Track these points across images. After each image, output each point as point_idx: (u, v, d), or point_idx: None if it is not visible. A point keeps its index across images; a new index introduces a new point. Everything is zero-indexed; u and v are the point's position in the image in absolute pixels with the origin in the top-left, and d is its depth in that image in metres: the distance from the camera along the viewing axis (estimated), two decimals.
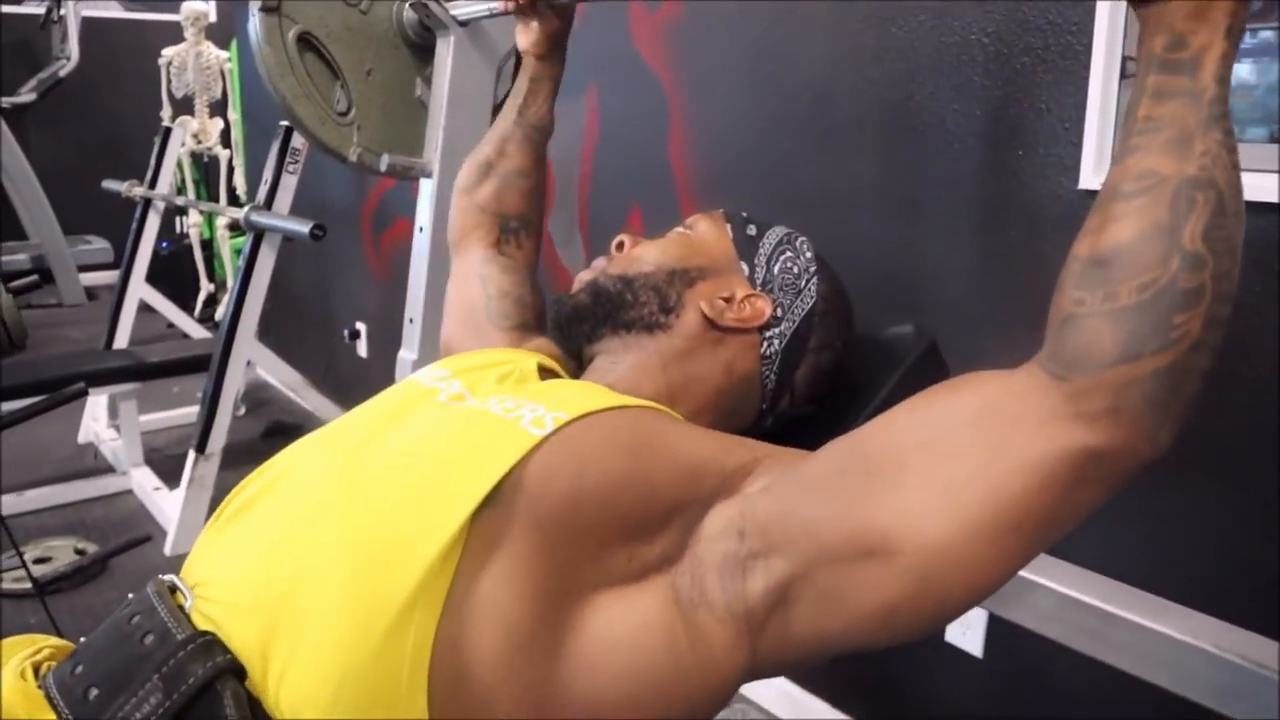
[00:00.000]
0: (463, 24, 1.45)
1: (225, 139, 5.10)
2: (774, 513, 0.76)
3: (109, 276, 5.99)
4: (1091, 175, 1.37)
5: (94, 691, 0.72)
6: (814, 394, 1.06)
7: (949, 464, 0.70)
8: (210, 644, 0.72)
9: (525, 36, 1.32)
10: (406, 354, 1.55)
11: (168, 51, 4.96)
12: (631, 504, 0.78)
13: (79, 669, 0.75)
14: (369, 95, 1.53)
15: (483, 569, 0.73)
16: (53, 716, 0.72)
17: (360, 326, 3.49)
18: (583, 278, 1.08)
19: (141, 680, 0.71)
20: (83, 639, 0.81)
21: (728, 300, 1.02)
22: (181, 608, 0.77)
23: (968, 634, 1.62)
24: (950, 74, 1.56)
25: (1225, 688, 0.81)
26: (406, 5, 1.50)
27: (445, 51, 1.46)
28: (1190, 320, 0.64)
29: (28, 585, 2.51)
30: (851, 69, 1.71)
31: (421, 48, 1.54)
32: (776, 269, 1.04)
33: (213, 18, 5.06)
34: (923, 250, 1.64)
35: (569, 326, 1.06)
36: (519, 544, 0.75)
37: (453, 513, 0.75)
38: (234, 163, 5.13)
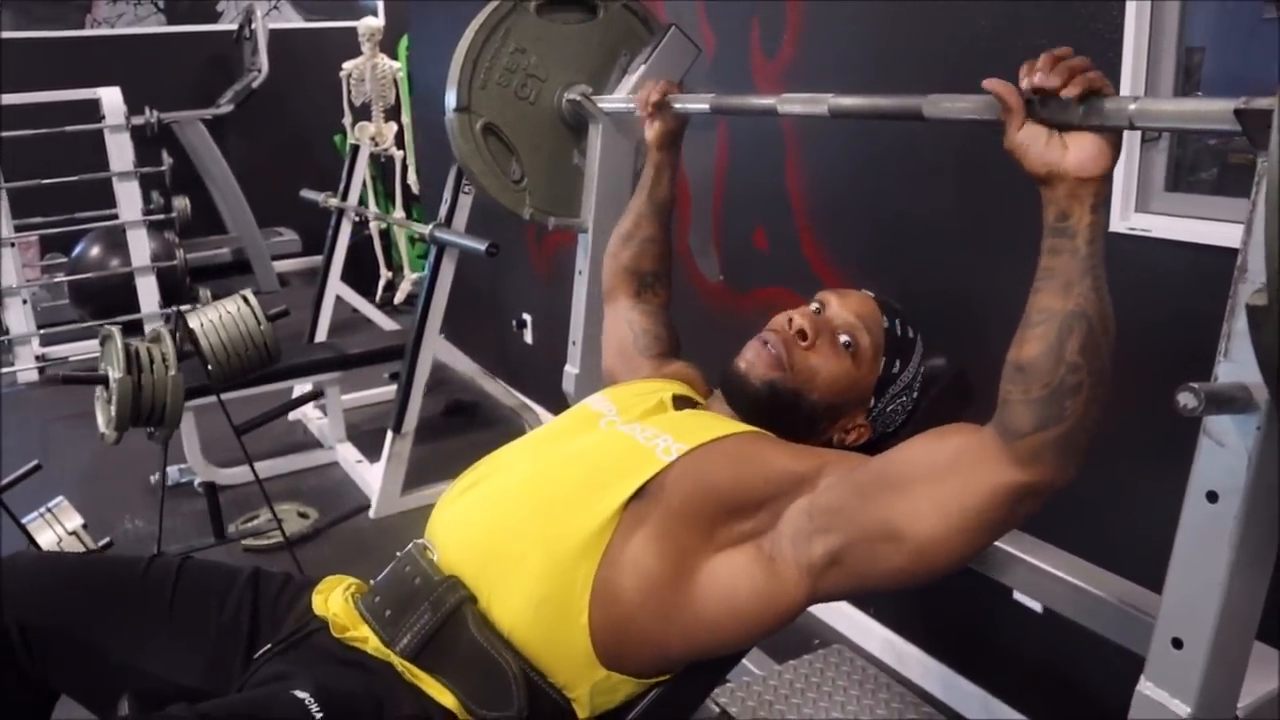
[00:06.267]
0: (608, 114, 1.85)
1: (399, 141, 5.65)
2: (832, 505, 1.18)
3: (298, 264, 6.69)
4: (1119, 219, 1.66)
5: (388, 612, 1.20)
6: None
7: (940, 488, 1.11)
8: (456, 584, 1.20)
9: (650, 132, 1.71)
10: (570, 369, 1.96)
11: (347, 65, 5.51)
12: (732, 499, 1.22)
13: (378, 599, 1.23)
14: (537, 166, 1.94)
15: (630, 537, 1.18)
16: (365, 628, 1.19)
17: (526, 317, 3.95)
18: (766, 357, 1.35)
19: (417, 605, 1.19)
20: (372, 580, 1.29)
21: (847, 431, 1.41)
22: (431, 559, 1.24)
23: None
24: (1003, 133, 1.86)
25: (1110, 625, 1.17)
26: (565, 98, 1.90)
27: (595, 136, 1.87)
28: (1077, 404, 1.00)
29: (267, 541, 3.09)
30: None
31: (576, 127, 1.95)
32: (889, 409, 1.42)
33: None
34: (988, 273, 1.95)
35: (740, 399, 1.38)
36: (655, 523, 1.19)
37: (611, 501, 1.20)
38: (407, 162, 5.68)
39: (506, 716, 1.12)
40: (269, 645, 1.23)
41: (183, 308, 2.22)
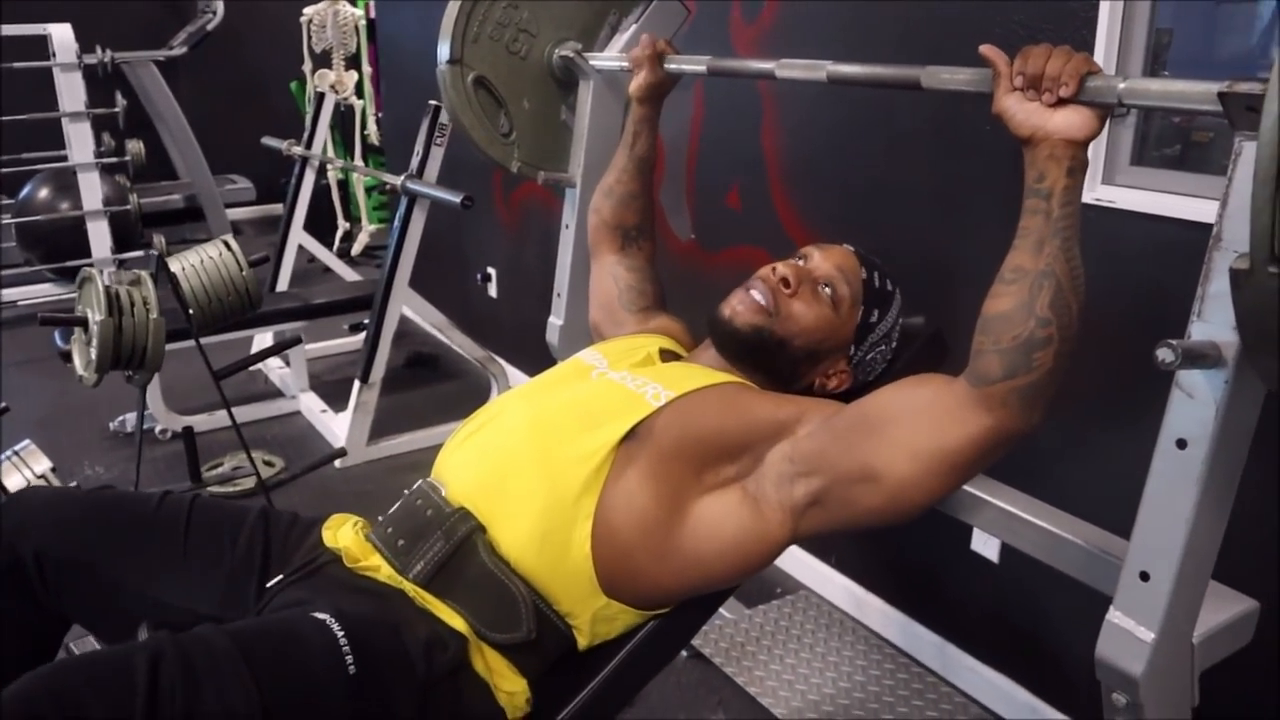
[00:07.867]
0: (599, 71, 1.89)
1: (359, 90, 5.59)
2: (812, 450, 1.27)
3: (252, 212, 6.61)
4: (1086, 191, 1.74)
5: (400, 541, 1.26)
6: None
7: (914, 431, 1.20)
8: (466, 514, 1.26)
9: (634, 83, 1.76)
10: (554, 320, 2.01)
11: (308, 10, 5.42)
12: (717, 442, 1.30)
13: (390, 529, 1.29)
14: (525, 120, 1.98)
15: (623, 476, 1.26)
16: (378, 557, 1.25)
17: (491, 271, 3.97)
18: (751, 304, 1.41)
19: (429, 534, 1.25)
20: (379, 517, 1.35)
21: (829, 376, 1.47)
22: (441, 494, 1.31)
23: (988, 545, 2.06)
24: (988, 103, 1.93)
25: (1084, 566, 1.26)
26: (556, 54, 1.94)
27: (586, 93, 1.91)
28: (1045, 356, 1.09)
29: (235, 488, 3.11)
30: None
31: (566, 82, 1.99)
32: (869, 357, 1.48)
33: None
34: (960, 237, 2.04)
35: (726, 342, 1.45)
36: (646, 464, 1.27)
37: (605, 441, 1.27)
38: (366, 112, 5.64)
39: (516, 638, 1.20)
40: (282, 575, 1.28)
41: (157, 250, 2.22)
